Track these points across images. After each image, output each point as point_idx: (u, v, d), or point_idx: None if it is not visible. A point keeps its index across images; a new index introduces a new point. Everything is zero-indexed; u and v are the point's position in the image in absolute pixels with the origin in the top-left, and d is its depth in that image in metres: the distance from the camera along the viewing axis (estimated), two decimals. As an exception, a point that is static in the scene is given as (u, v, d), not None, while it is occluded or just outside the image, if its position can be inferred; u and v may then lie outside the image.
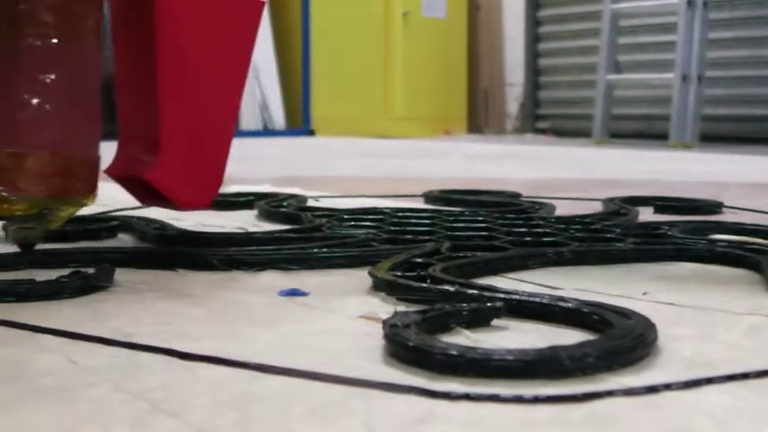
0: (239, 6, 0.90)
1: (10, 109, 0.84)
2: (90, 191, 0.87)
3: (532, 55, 5.38)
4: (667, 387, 0.51)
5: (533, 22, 5.38)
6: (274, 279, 0.82)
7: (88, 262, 0.81)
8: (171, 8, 0.86)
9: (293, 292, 0.76)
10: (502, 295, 0.68)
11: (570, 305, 0.65)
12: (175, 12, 0.86)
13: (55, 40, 0.84)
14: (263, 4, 0.92)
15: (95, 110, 0.87)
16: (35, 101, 0.83)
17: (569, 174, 2.32)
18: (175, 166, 0.88)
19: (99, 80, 0.87)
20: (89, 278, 0.77)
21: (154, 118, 0.87)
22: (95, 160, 0.88)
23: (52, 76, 0.84)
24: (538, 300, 0.67)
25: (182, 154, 0.88)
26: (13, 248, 0.88)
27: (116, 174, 0.91)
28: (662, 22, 4.53)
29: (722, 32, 4.36)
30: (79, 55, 0.85)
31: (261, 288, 0.78)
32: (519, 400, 0.49)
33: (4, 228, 0.89)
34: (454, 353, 0.53)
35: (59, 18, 0.84)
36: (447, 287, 0.71)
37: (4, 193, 0.83)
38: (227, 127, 0.92)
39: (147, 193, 0.91)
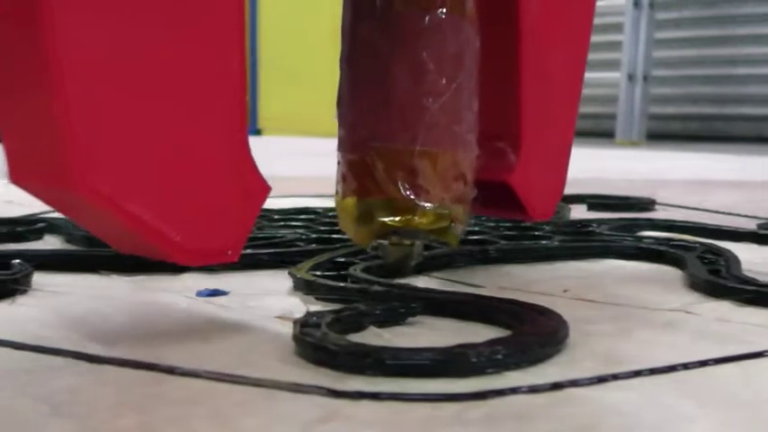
0: None
1: (419, 96, 0.67)
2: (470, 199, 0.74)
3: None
4: (573, 383, 0.51)
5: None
6: (197, 280, 0.81)
7: (7, 265, 0.80)
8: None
9: (212, 293, 0.75)
10: (419, 294, 0.68)
11: (484, 303, 0.65)
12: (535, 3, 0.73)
13: (457, 15, 0.66)
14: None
15: (476, 102, 0.70)
16: (452, 86, 0.66)
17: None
18: (534, 170, 0.76)
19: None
20: (5, 281, 0.76)
21: (501, 114, 0.74)
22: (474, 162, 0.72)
23: (462, 59, 0.67)
24: (453, 298, 0.67)
25: (539, 157, 0.76)
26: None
27: None
28: (608, 21, 4.55)
29: (669, 32, 4.39)
30: (471, 35, 0.68)
31: (182, 289, 0.78)
32: (423, 398, 0.49)
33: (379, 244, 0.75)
34: (360, 352, 0.53)
35: None
36: (365, 286, 0.71)
37: (414, 202, 0.69)
38: (570, 126, 0.80)
39: (489, 201, 0.77)
